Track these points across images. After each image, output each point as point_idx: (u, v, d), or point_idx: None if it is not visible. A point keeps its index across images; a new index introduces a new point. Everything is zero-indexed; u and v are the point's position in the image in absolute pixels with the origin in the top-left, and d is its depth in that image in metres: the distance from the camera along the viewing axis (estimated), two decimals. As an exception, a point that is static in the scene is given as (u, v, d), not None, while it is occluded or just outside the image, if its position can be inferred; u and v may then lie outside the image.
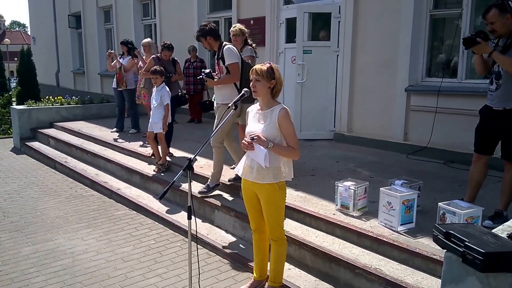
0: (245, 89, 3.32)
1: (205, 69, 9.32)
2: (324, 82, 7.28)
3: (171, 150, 6.51)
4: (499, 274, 1.88)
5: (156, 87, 5.92)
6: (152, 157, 6.39)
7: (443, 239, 2.05)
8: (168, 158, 6.18)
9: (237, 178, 4.77)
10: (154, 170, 6.06)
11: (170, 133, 6.32)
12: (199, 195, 4.88)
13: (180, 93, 6.88)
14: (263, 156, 2.99)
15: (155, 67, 5.98)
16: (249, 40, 5.66)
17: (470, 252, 1.87)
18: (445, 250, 2.07)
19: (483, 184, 3.98)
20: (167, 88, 5.99)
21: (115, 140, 7.80)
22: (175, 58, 7.04)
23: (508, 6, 3.54)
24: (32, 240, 4.59)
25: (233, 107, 3.20)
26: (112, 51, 8.46)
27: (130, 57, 8.25)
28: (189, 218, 3.03)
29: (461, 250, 1.92)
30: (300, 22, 7.03)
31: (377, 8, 6.61)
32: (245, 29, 5.59)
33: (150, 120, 6.00)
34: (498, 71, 3.65)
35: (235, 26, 5.57)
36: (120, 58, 8.29)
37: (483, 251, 1.81)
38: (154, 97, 5.95)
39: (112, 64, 8.42)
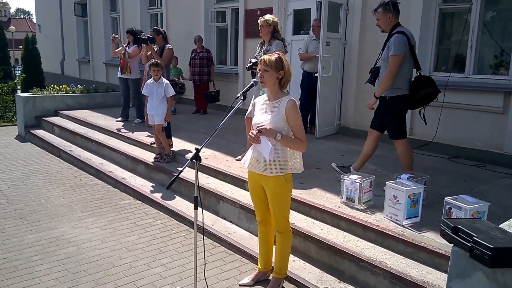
0: (254, 79, 3.30)
1: (211, 60, 9.31)
2: (336, 75, 7.13)
3: (174, 140, 6.50)
4: (506, 270, 1.88)
5: (156, 81, 5.85)
6: (154, 145, 6.38)
7: (450, 234, 2.05)
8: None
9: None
10: (154, 158, 6.06)
11: (168, 124, 6.29)
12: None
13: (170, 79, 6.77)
14: (268, 150, 2.97)
15: (152, 60, 5.94)
16: (280, 33, 5.10)
17: (478, 247, 1.86)
18: (452, 245, 2.06)
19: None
20: (166, 80, 5.97)
21: (120, 129, 7.80)
22: (167, 46, 6.93)
23: (390, 7, 4.26)
24: (36, 228, 4.61)
25: (242, 98, 3.17)
26: (117, 36, 8.32)
27: (136, 45, 8.19)
28: (196, 208, 3.01)
29: (469, 245, 1.91)
30: (325, 11, 6.54)
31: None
32: (271, 19, 5.01)
33: (151, 113, 5.87)
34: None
35: (263, 16, 5.08)
36: (126, 47, 8.23)
37: (491, 246, 1.81)
38: (156, 91, 5.82)
39: (116, 50, 8.35)
